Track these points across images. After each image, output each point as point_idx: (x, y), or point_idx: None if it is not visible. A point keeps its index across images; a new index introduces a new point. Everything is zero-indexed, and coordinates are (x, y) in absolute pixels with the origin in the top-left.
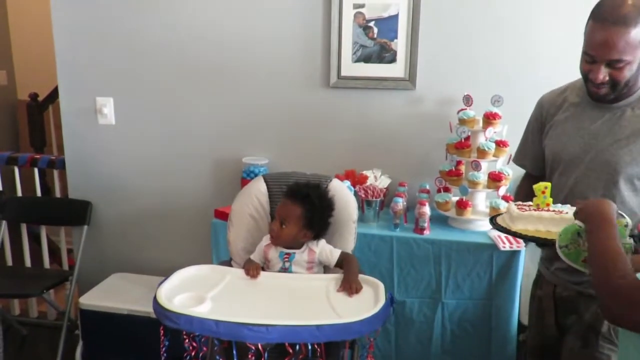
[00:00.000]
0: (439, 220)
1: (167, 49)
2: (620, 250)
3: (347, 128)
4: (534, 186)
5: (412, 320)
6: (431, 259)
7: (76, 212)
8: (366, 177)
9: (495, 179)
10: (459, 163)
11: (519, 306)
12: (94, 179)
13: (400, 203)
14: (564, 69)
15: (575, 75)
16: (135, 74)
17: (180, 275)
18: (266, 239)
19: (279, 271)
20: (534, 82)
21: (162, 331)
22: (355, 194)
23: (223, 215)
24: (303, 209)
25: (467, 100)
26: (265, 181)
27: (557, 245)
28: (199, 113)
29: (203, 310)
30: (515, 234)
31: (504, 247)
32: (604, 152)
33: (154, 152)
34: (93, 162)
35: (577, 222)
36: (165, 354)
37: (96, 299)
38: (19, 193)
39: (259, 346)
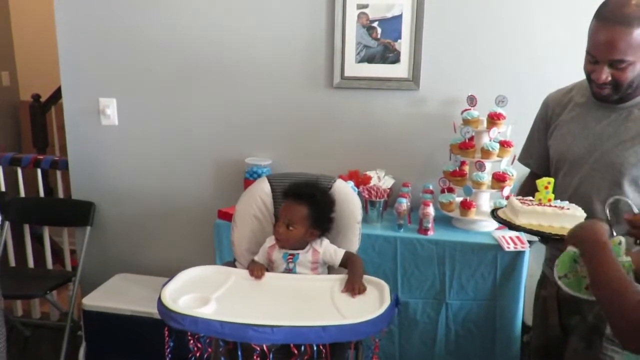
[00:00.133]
0: (443, 220)
1: (171, 49)
2: (623, 275)
3: (350, 128)
4: (537, 181)
5: (416, 321)
6: (435, 259)
7: (79, 213)
8: (370, 178)
9: (499, 179)
10: (462, 163)
11: (523, 307)
12: (97, 180)
13: (404, 203)
14: (569, 69)
15: (580, 75)
16: (139, 74)
17: (185, 276)
18: (269, 240)
19: (283, 272)
20: (538, 82)
21: (166, 332)
22: (359, 194)
23: (226, 216)
24: (309, 208)
25: (471, 100)
26: (270, 182)
27: (556, 277)
28: (202, 113)
29: (208, 311)
30: (519, 228)
31: (509, 247)
32: (609, 153)
33: (157, 153)
34: (96, 163)
35: (571, 247)
36: (170, 355)
37: (99, 299)
38: (22, 194)
39: (264, 347)
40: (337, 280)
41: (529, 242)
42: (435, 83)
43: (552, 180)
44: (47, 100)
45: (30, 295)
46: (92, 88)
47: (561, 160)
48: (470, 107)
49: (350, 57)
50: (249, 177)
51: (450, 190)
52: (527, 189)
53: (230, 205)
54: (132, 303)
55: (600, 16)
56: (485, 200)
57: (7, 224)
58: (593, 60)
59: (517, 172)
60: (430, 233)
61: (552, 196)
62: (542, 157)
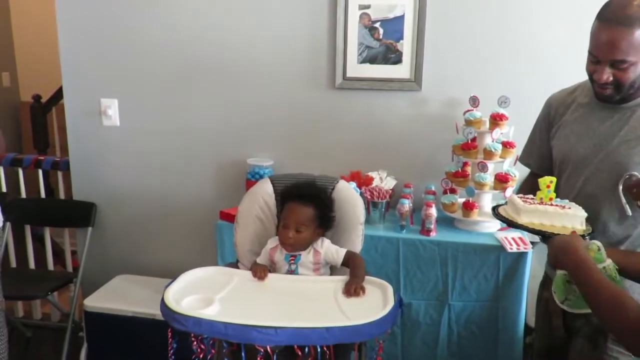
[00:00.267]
0: (445, 221)
1: (172, 50)
2: (611, 286)
3: (352, 129)
4: (539, 180)
5: (419, 322)
6: (437, 260)
7: (80, 214)
8: (372, 179)
9: (501, 180)
10: (465, 164)
11: (525, 308)
12: (98, 181)
13: (407, 204)
14: (571, 69)
15: (582, 76)
16: (140, 75)
17: (187, 277)
18: (271, 242)
19: (286, 273)
20: (540, 83)
21: (170, 333)
22: (361, 195)
23: (228, 217)
24: (315, 209)
25: (474, 101)
26: (272, 182)
27: (558, 302)
28: (203, 114)
29: (211, 312)
30: (521, 227)
31: (511, 248)
32: (614, 153)
33: (158, 154)
34: (97, 164)
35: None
36: (173, 357)
37: (101, 300)
38: (23, 195)
39: (268, 348)
40: (340, 281)
41: (532, 243)
42: (437, 84)
43: (554, 179)
44: (47, 101)
45: (32, 296)
46: (93, 89)
47: (565, 161)
48: (472, 108)
49: (352, 58)
50: (251, 178)
51: (453, 191)
52: (527, 189)
53: (232, 206)
54: (133, 304)
55: (602, 17)
56: (488, 201)
57: (8, 224)
58: (595, 60)
59: (520, 173)
60: (433, 234)
61: (553, 195)
62: (543, 158)
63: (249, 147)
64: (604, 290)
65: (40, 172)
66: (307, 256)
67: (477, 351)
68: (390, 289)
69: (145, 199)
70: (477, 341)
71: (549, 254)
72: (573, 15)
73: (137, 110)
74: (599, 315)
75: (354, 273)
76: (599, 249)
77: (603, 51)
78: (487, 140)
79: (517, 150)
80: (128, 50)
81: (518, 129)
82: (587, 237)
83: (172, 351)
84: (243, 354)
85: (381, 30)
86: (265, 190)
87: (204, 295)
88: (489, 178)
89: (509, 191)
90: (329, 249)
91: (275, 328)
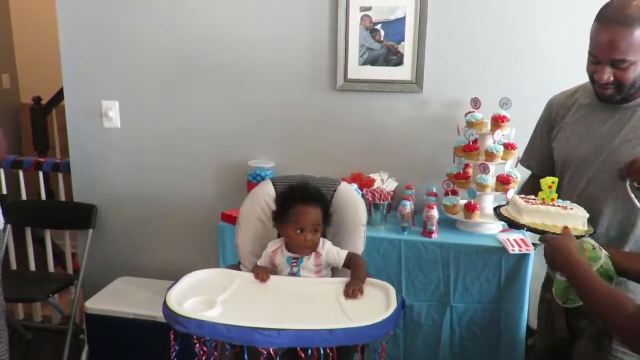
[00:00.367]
0: (447, 223)
1: (173, 52)
2: (607, 288)
3: (353, 131)
4: (541, 180)
5: (421, 324)
6: (439, 262)
7: (81, 216)
8: (373, 180)
9: (503, 181)
10: (466, 166)
11: (527, 310)
12: (99, 183)
13: (408, 206)
14: (573, 71)
15: (584, 77)
16: (141, 77)
17: (190, 279)
18: (272, 245)
19: (288, 276)
20: (542, 84)
21: (172, 336)
22: (363, 197)
23: (230, 219)
24: (322, 208)
25: (475, 102)
26: (274, 184)
27: (560, 303)
28: (204, 116)
29: (214, 314)
30: (523, 227)
31: (513, 250)
32: (615, 152)
33: (159, 155)
34: (98, 166)
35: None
36: (175, 359)
37: (102, 303)
38: (24, 197)
39: (271, 351)
40: (342, 283)
41: (534, 244)
42: (438, 85)
43: (556, 179)
44: (48, 103)
45: (32, 298)
46: (94, 90)
47: (567, 162)
48: (474, 110)
49: (353, 60)
50: (252, 180)
51: (454, 192)
52: (528, 191)
53: (233, 208)
54: (134, 306)
55: (602, 18)
56: (490, 202)
57: (8, 227)
58: (595, 60)
59: (521, 175)
60: (435, 236)
61: (555, 195)
62: (544, 160)
63: (250, 149)
64: (601, 294)
65: (40, 174)
66: (309, 258)
67: (479, 353)
68: (392, 291)
69: (146, 201)
70: (479, 343)
71: (545, 255)
72: (574, 17)
73: (138, 112)
74: (600, 316)
75: (354, 275)
76: (594, 248)
77: (603, 51)
78: (489, 142)
79: (519, 152)
80: (129, 51)
81: (519, 131)
82: (587, 237)
83: (174, 353)
84: (246, 356)
85: (382, 32)
86: (266, 192)
87: (206, 297)
88: (490, 180)
89: (511, 193)
90: (330, 250)
91: (278, 330)
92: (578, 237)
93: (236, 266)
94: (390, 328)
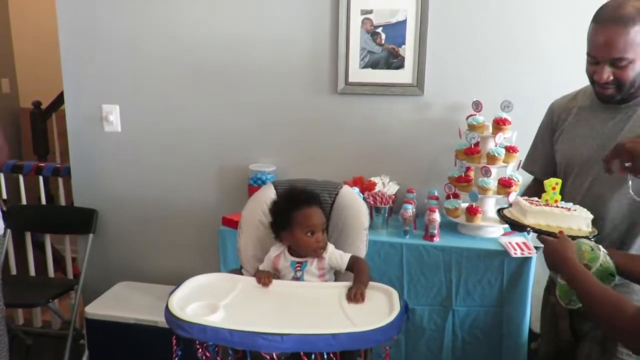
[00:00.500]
0: (448, 226)
1: (173, 56)
2: (603, 290)
3: (354, 134)
4: (545, 181)
5: (423, 328)
6: (441, 266)
7: (82, 220)
8: (374, 184)
9: (505, 184)
10: (468, 169)
11: (530, 313)
12: (99, 187)
13: (410, 209)
14: (574, 74)
15: (585, 80)
16: (141, 81)
17: (192, 284)
18: (274, 250)
19: (291, 280)
20: (544, 87)
21: (174, 341)
22: (364, 200)
23: (231, 223)
24: (321, 208)
25: (477, 106)
26: (276, 188)
27: (563, 304)
28: (205, 120)
29: (216, 319)
30: (527, 228)
31: (516, 253)
32: None
33: (160, 159)
34: (99, 170)
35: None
36: None
37: (102, 308)
38: (24, 201)
39: (274, 355)
40: (345, 287)
41: (536, 247)
42: (439, 88)
43: (559, 181)
44: (48, 107)
45: (32, 303)
46: (94, 95)
47: (570, 164)
48: (475, 113)
49: (355, 63)
50: (253, 184)
51: (456, 196)
52: (530, 196)
53: (234, 212)
54: (135, 311)
55: (598, 19)
56: (491, 206)
57: (8, 231)
58: (594, 61)
59: (523, 178)
60: (436, 239)
61: (559, 197)
62: (547, 164)
63: (251, 153)
64: (600, 296)
65: (40, 178)
66: (312, 262)
67: (482, 357)
68: (395, 295)
69: (147, 205)
70: (482, 346)
71: (544, 258)
72: (575, 20)
73: (138, 117)
74: (599, 319)
75: (357, 278)
76: (592, 249)
77: (601, 51)
78: (490, 145)
79: (520, 155)
80: (129, 55)
81: (521, 134)
82: (592, 239)
83: (176, 358)
84: None
85: (383, 35)
86: (268, 196)
87: (208, 302)
88: (492, 183)
89: (513, 196)
90: (333, 254)
91: (282, 335)
92: (574, 238)
93: (238, 270)
94: (394, 332)
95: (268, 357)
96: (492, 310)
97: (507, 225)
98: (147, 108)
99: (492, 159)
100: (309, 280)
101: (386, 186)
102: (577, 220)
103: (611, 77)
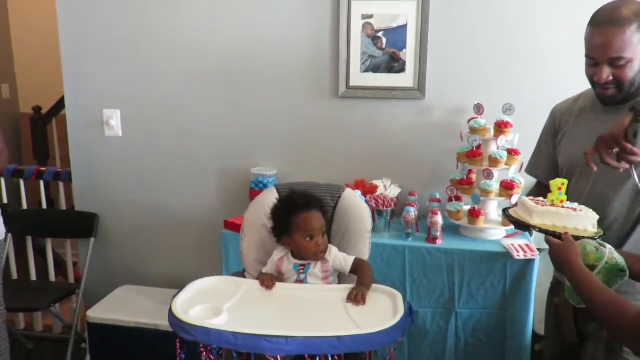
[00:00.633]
0: (451, 229)
1: (175, 60)
2: (605, 292)
3: (356, 138)
4: (551, 182)
5: (426, 330)
6: (444, 268)
7: (83, 225)
8: (376, 187)
9: (507, 187)
10: (470, 172)
11: (533, 315)
12: (100, 191)
13: (412, 212)
14: (576, 76)
15: (587, 83)
16: (142, 85)
17: (195, 287)
18: (277, 253)
19: (295, 283)
20: (545, 90)
21: (178, 344)
22: (366, 203)
23: (233, 226)
24: (321, 211)
25: (478, 108)
26: (278, 191)
27: (575, 305)
28: (206, 124)
29: (220, 322)
30: (533, 228)
31: (519, 255)
32: None
33: (161, 164)
34: (100, 174)
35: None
36: None
37: (104, 312)
38: (25, 206)
39: (279, 358)
40: (349, 289)
41: (539, 249)
42: (440, 92)
43: (565, 181)
44: (48, 112)
45: (34, 308)
46: (95, 99)
47: (572, 165)
48: (477, 116)
49: (356, 67)
50: (255, 187)
51: (458, 198)
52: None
53: (236, 215)
54: (137, 315)
55: (594, 22)
56: (494, 208)
57: (9, 236)
58: (593, 62)
59: (525, 180)
60: (439, 242)
61: (564, 197)
62: (551, 167)
63: (252, 156)
64: (602, 298)
65: (41, 183)
66: (316, 265)
67: (485, 359)
68: (399, 297)
69: (148, 209)
70: (485, 349)
71: (551, 261)
72: (577, 22)
73: (139, 121)
74: (602, 321)
75: (360, 280)
76: (597, 249)
77: (599, 52)
78: (492, 148)
79: (523, 158)
80: (130, 60)
81: (523, 136)
82: (597, 239)
83: None
84: None
85: (384, 40)
86: (271, 199)
87: (212, 305)
88: (494, 185)
89: (515, 198)
90: (337, 257)
91: (286, 337)
92: (578, 238)
93: (241, 274)
94: (399, 335)
95: None
96: (495, 312)
97: (509, 228)
98: (148, 112)
99: (494, 161)
100: (313, 282)
101: (388, 189)
102: (582, 220)
103: (611, 77)
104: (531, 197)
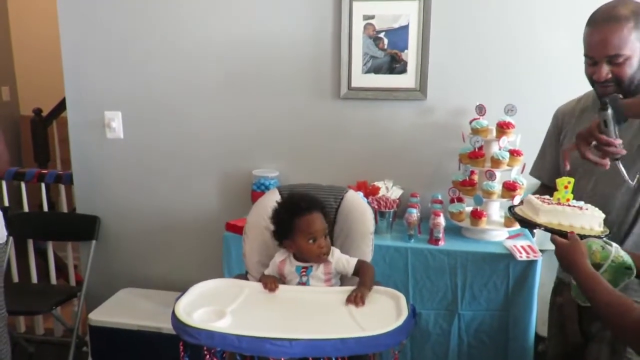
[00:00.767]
0: (453, 230)
1: (176, 62)
2: (610, 292)
3: (357, 139)
4: (557, 180)
5: (428, 332)
6: (447, 270)
7: (84, 227)
8: (378, 188)
9: (509, 188)
10: (472, 173)
11: (536, 316)
12: (102, 194)
13: (415, 214)
14: (577, 77)
15: (588, 83)
16: (144, 87)
17: (198, 290)
18: (279, 255)
19: (297, 285)
20: (547, 90)
21: (181, 347)
22: (368, 205)
23: (235, 228)
24: (323, 214)
25: (480, 109)
26: (280, 193)
27: (582, 304)
28: (208, 126)
29: (224, 324)
30: (540, 227)
31: (521, 257)
32: None
33: (162, 166)
34: (101, 177)
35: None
36: None
37: (105, 314)
38: (26, 209)
39: None
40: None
41: (541, 250)
42: (442, 93)
43: (572, 180)
44: (48, 115)
45: (35, 311)
46: (96, 101)
47: (574, 165)
48: (479, 117)
49: (357, 68)
50: (257, 189)
51: (460, 200)
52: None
53: (238, 217)
54: (139, 318)
55: (592, 21)
56: (496, 209)
57: (10, 239)
58: (592, 61)
59: (527, 181)
60: (441, 243)
61: (571, 196)
62: (555, 170)
63: (254, 158)
64: (607, 298)
65: (43, 185)
66: (318, 267)
67: None
68: (403, 299)
69: (150, 211)
70: (488, 350)
71: (558, 260)
72: (578, 22)
73: (141, 123)
74: (606, 321)
75: (361, 281)
76: (603, 247)
77: (597, 50)
78: (494, 149)
79: (525, 158)
80: (131, 62)
81: (525, 137)
82: (603, 238)
83: None
84: None
85: (386, 40)
86: (273, 201)
87: (215, 307)
88: (496, 186)
89: (517, 199)
90: (339, 259)
91: (290, 340)
92: (583, 237)
93: (243, 276)
94: (402, 337)
95: None
96: (498, 314)
97: (512, 229)
98: (149, 114)
99: (496, 162)
100: (315, 285)
101: (390, 191)
102: (588, 219)
103: (610, 75)
104: (537, 195)
